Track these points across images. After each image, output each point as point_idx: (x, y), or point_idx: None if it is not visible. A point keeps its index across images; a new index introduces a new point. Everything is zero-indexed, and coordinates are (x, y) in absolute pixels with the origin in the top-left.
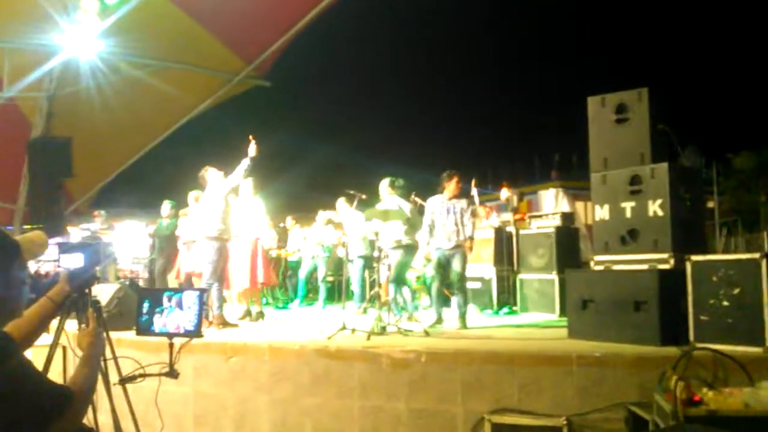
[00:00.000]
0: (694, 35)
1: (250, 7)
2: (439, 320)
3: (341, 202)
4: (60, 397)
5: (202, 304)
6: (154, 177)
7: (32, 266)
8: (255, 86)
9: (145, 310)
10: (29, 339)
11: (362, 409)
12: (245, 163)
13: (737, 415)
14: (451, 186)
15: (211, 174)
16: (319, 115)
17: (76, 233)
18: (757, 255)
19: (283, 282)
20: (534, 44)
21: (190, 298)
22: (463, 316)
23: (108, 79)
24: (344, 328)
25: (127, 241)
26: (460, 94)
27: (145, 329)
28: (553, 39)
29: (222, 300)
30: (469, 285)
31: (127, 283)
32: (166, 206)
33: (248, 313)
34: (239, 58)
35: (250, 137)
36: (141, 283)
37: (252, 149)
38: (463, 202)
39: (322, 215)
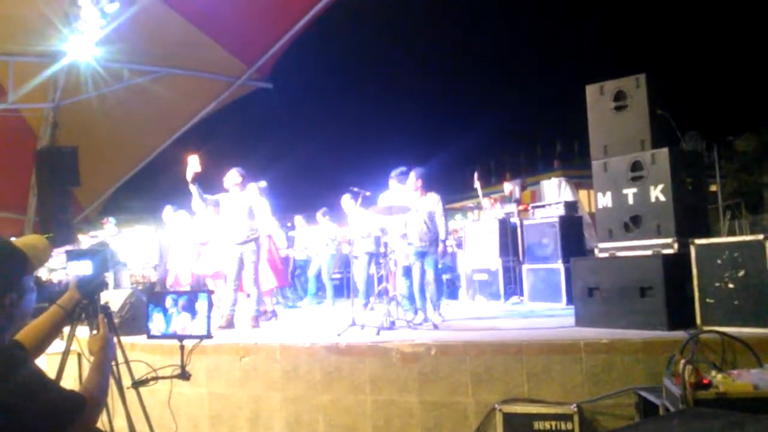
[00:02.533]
0: (691, 19)
1: (249, 10)
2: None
3: (346, 198)
4: (72, 403)
5: (212, 305)
6: (161, 183)
7: (44, 275)
8: (257, 89)
9: (154, 313)
10: (40, 347)
11: (374, 404)
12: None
13: (746, 397)
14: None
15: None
16: (323, 114)
17: (85, 241)
18: (761, 236)
19: (292, 281)
20: (533, 34)
21: (199, 299)
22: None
23: (111, 87)
24: (354, 324)
25: (136, 246)
26: (462, 87)
27: (155, 333)
28: (552, 27)
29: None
30: (476, 277)
31: (140, 288)
32: (168, 211)
33: (265, 313)
34: (240, 61)
35: (188, 157)
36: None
37: (190, 169)
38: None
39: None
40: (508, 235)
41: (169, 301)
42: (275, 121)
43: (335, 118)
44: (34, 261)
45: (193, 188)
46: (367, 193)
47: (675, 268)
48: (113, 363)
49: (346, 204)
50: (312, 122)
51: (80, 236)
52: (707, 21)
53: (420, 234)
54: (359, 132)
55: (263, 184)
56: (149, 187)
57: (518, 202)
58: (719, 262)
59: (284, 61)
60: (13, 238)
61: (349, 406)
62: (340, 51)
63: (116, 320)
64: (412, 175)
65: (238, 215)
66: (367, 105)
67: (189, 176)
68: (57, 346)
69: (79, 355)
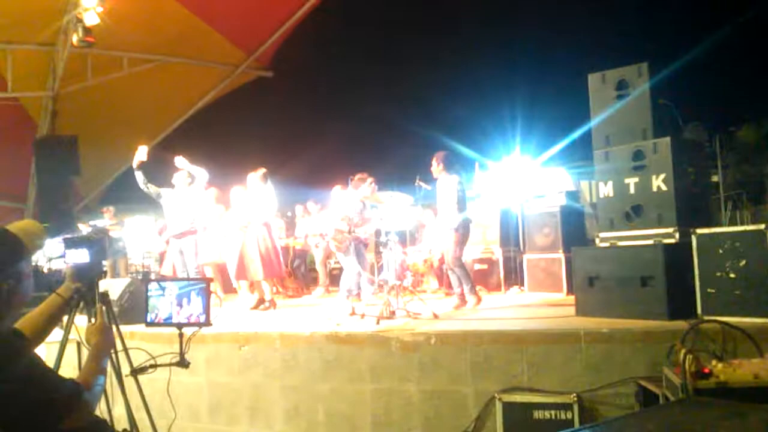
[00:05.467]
0: (694, 8)
1: None
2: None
3: (336, 189)
4: (70, 392)
5: (209, 293)
6: (161, 171)
7: (43, 263)
8: (257, 77)
9: (152, 301)
10: (40, 335)
11: (374, 393)
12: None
13: (747, 386)
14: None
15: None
16: (323, 101)
17: (84, 230)
18: (762, 226)
19: (291, 271)
20: (533, 19)
21: (197, 287)
22: None
23: (111, 75)
24: (354, 313)
25: (137, 235)
26: (467, 75)
27: (154, 321)
28: (554, 15)
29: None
30: (476, 267)
31: (140, 277)
32: None
33: (261, 302)
34: (240, 49)
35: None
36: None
37: (137, 158)
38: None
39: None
40: (509, 224)
41: (168, 289)
42: (274, 110)
43: (335, 108)
44: (29, 246)
45: (138, 175)
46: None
47: (676, 257)
48: (112, 351)
49: (337, 195)
50: (311, 111)
51: (80, 225)
52: (710, 10)
53: (444, 217)
54: (360, 122)
55: (263, 170)
56: (149, 175)
57: None
58: (720, 251)
59: (285, 50)
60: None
61: (349, 394)
62: (342, 40)
63: (115, 309)
64: (435, 158)
65: (180, 210)
66: (369, 95)
67: (135, 164)
68: (56, 334)
69: (79, 344)
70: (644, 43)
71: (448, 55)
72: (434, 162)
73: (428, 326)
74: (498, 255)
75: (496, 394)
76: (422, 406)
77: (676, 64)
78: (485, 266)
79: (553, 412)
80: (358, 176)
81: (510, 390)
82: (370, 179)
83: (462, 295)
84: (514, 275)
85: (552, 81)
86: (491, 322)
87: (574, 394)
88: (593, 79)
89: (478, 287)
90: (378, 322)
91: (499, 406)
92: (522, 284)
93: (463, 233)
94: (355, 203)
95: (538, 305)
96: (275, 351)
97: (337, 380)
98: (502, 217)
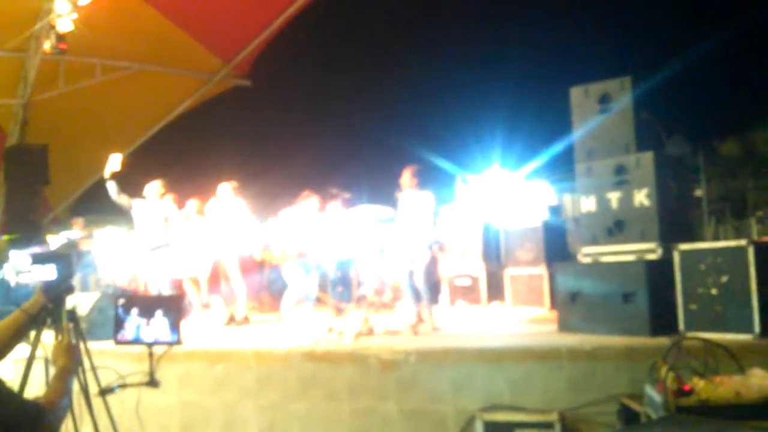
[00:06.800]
0: (675, 22)
1: (227, 5)
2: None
3: (312, 202)
4: (32, 414)
5: (180, 311)
6: (134, 181)
7: (12, 278)
8: (235, 86)
9: (122, 318)
10: (2, 352)
11: (352, 412)
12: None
13: (728, 404)
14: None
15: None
16: (301, 112)
17: (54, 242)
18: (744, 242)
19: (268, 285)
20: (515, 31)
21: (168, 304)
22: None
23: (84, 83)
24: (331, 330)
25: (108, 248)
26: (450, 87)
27: (123, 338)
28: (530, 26)
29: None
30: (458, 282)
31: (110, 291)
32: None
33: (232, 319)
34: (217, 57)
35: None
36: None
37: (109, 167)
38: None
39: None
40: (491, 239)
41: (138, 306)
42: (253, 120)
43: (313, 119)
44: None
45: (110, 185)
46: (347, 196)
47: (658, 273)
48: (80, 369)
49: (284, 214)
50: (289, 122)
51: (49, 237)
52: (692, 23)
53: (415, 233)
54: (338, 134)
55: (234, 184)
56: (122, 186)
57: None
58: (702, 267)
59: (265, 59)
60: None
61: (326, 414)
62: (322, 50)
63: (84, 325)
64: (408, 171)
65: (153, 223)
66: (348, 106)
67: (107, 173)
68: (24, 351)
69: (46, 361)
70: (627, 56)
71: (428, 67)
72: (407, 174)
73: (408, 343)
74: (480, 269)
75: (477, 413)
76: (402, 426)
77: (658, 78)
78: (467, 281)
79: (535, 431)
80: (304, 193)
81: (491, 408)
82: (315, 196)
83: (420, 314)
84: (496, 290)
85: (534, 94)
86: (472, 339)
87: (557, 413)
88: (576, 93)
89: (458, 300)
90: (356, 339)
91: (480, 425)
92: (504, 299)
93: (435, 253)
94: (302, 220)
95: (520, 321)
96: (249, 369)
97: (314, 399)
98: (484, 232)
